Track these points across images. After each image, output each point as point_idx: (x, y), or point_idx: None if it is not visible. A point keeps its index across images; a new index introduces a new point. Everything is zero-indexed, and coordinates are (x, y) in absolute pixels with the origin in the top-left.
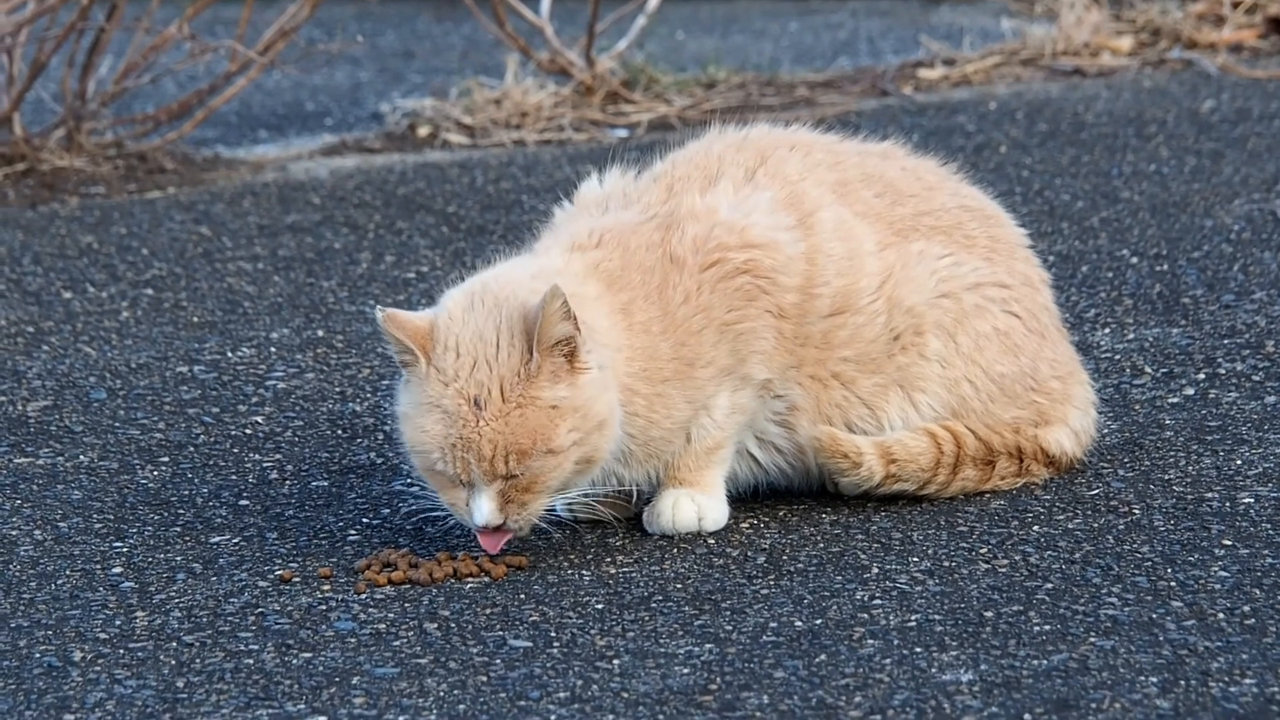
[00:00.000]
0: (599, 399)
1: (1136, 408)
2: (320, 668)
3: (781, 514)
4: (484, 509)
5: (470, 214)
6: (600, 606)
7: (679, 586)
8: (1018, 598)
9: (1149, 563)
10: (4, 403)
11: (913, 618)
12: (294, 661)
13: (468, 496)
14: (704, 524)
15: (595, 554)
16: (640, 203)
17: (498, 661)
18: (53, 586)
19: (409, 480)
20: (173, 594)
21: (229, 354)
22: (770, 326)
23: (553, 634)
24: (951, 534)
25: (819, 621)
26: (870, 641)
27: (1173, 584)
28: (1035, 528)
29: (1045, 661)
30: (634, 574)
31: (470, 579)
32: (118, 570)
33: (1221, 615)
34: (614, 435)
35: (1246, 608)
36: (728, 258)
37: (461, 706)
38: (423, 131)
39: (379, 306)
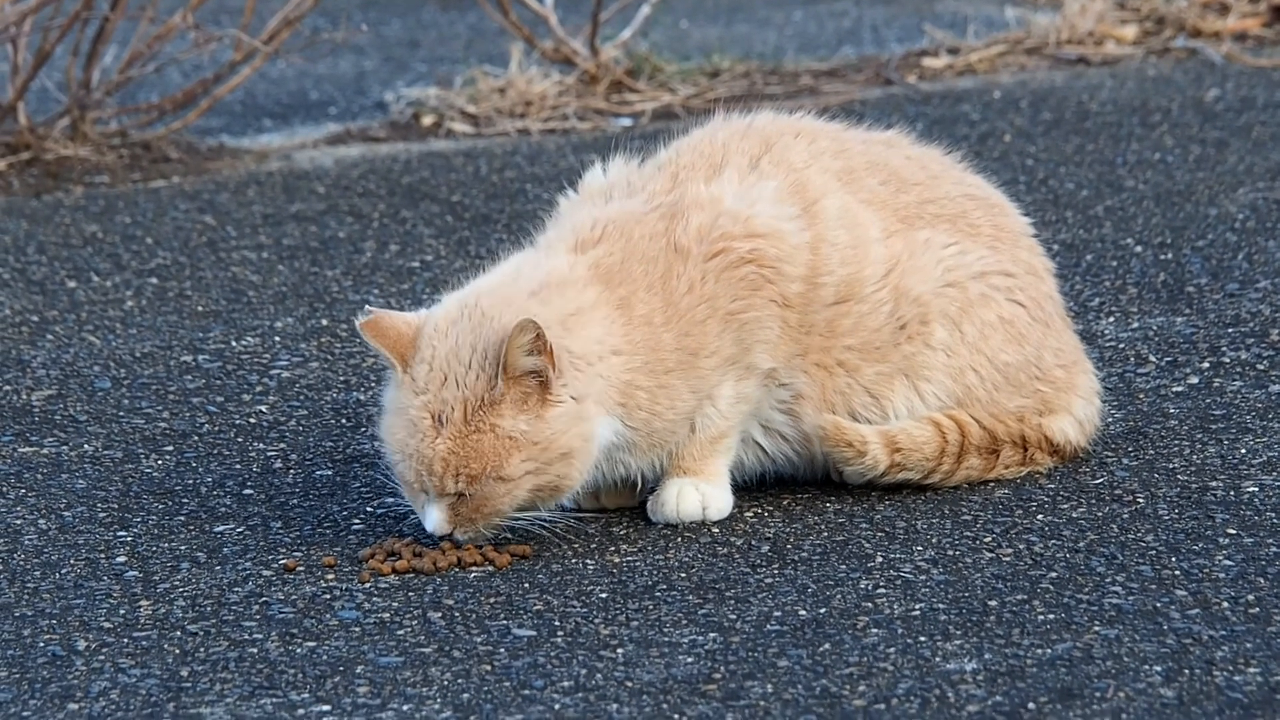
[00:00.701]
0: (567, 432)
1: (1141, 396)
2: (324, 657)
3: (786, 503)
4: (433, 518)
5: (475, 203)
6: (604, 595)
7: (683, 575)
8: (1022, 586)
9: (1153, 551)
10: (9, 392)
11: (917, 607)
12: (298, 650)
13: (424, 501)
14: (708, 513)
15: (599, 543)
16: (645, 191)
17: (502, 650)
18: (57, 575)
19: None
20: (177, 583)
21: (233, 343)
22: (775, 316)
23: (557, 623)
24: (956, 523)
25: (823, 610)
26: (874, 630)
27: (1177, 573)
28: (1039, 516)
29: (1049, 650)
30: (638, 563)
31: (474, 568)
32: (122, 559)
33: (1226, 604)
34: (588, 462)
35: (1251, 596)
36: (732, 247)
37: (465, 695)
38: (427, 120)
39: (363, 309)
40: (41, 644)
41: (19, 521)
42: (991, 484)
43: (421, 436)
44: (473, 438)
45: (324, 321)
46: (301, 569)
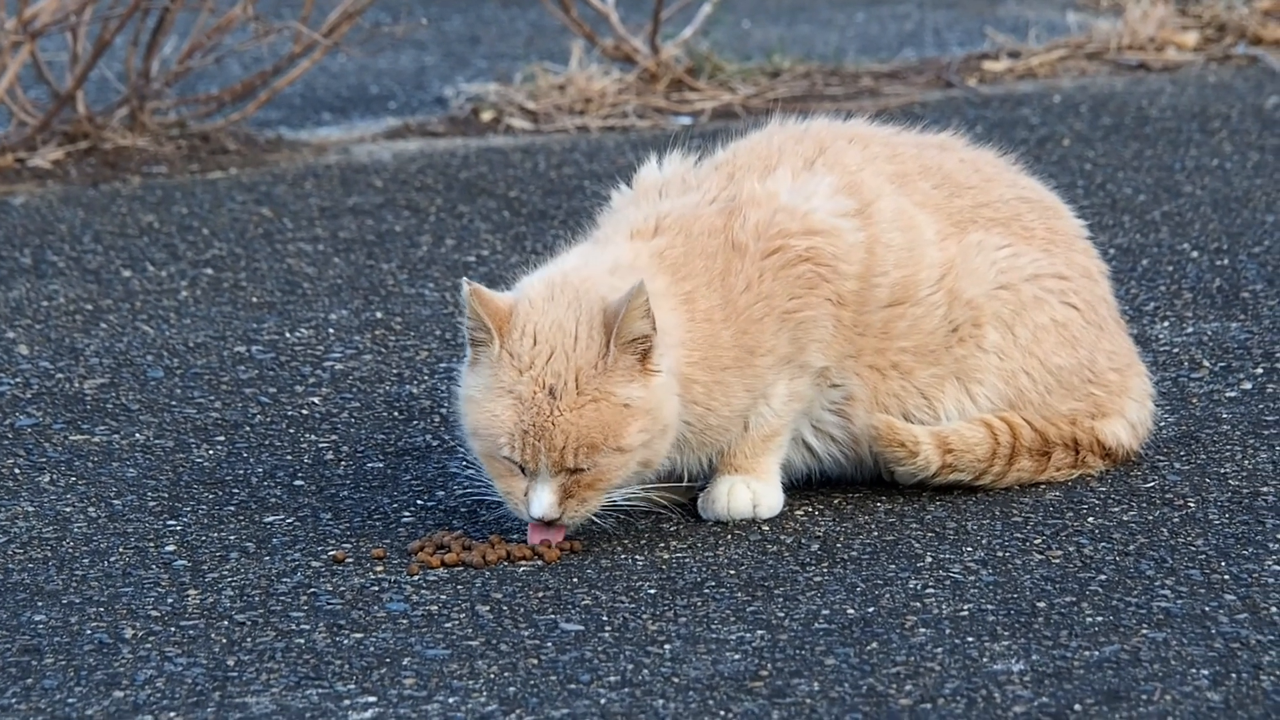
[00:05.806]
0: (666, 403)
1: (1194, 401)
2: (371, 648)
3: (836, 502)
4: (543, 501)
5: (532, 199)
6: (653, 591)
7: (732, 573)
8: (1071, 589)
9: (1203, 556)
10: (61, 380)
11: (965, 607)
12: (345, 642)
13: (527, 487)
14: (759, 511)
15: (649, 539)
16: (699, 190)
17: (549, 644)
18: (105, 563)
19: (465, 463)
20: (225, 573)
21: (287, 334)
22: (829, 314)
23: (604, 618)
24: (1006, 524)
25: (871, 609)
26: (922, 630)
27: (1226, 577)
28: (1090, 519)
29: (1097, 652)
30: (687, 560)
31: (523, 562)
32: (171, 548)
33: (1274, 609)
34: (672, 441)
35: None
36: (789, 245)
37: (512, 689)
38: (486, 116)
39: (466, 280)
40: (88, 631)
41: (69, 509)
42: (1043, 486)
43: (536, 410)
44: (589, 407)
45: (378, 314)
46: (350, 560)
